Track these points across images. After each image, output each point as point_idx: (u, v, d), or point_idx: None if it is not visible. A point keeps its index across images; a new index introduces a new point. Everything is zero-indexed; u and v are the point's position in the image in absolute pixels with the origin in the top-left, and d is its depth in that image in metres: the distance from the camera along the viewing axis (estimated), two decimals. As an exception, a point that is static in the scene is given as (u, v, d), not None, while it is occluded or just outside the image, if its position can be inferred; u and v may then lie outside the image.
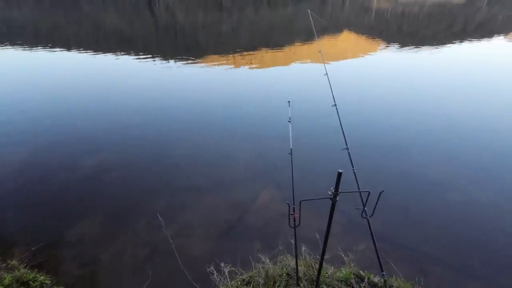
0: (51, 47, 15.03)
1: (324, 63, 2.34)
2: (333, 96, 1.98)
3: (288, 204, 1.42)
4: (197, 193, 4.18)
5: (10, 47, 15.46)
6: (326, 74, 2.20)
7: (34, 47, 15.13)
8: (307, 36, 17.88)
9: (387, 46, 16.27)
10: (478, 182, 4.52)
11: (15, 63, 12.14)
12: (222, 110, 6.93)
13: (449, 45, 17.27)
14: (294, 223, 1.46)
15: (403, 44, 16.97)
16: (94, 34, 21.67)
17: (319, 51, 2.64)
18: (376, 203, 1.29)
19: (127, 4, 58.79)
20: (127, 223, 3.61)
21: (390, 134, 5.88)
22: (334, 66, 11.33)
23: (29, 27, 25.00)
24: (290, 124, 2.01)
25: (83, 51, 14.10)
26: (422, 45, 16.76)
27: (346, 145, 1.63)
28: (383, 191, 1.23)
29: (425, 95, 8.38)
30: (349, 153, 1.59)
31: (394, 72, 11.05)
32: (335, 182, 1.27)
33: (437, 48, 16.26)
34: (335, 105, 1.88)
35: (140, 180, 4.52)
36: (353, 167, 1.56)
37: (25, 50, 14.54)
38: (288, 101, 2.21)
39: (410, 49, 15.75)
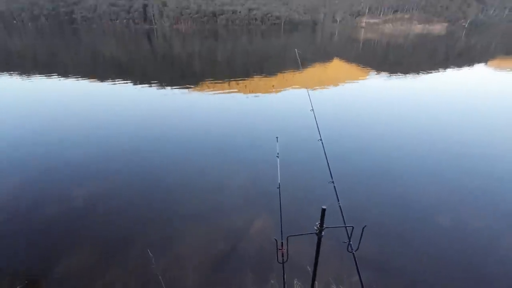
0: (48, 75, 15.33)
1: (310, 99, 2.48)
2: (319, 131, 2.07)
3: (276, 240, 1.44)
4: (189, 223, 4.11)
5: (6, 73, 15.72)
6: (312, 109, 2.32)
7: (31, 74, 15.42)
8: (297, 65, 18.70)
9: (375, 74, 17.07)
10: (468, 207, 4.57)
11: (10, 90, 12.26)
12: (213, 140, 7.01)
13: (433, 72, 18.22)
14: (283, 259, 1.47)
15: (390, 72, 17.84)
16: (92, 63, 22.26)
17: (307, 90, 2.78)
18: (361, 238, 1.33)
19: (127, 34, 61.22)
20: (117, 257, 3.50)
21: (377, 163, 5.99)
22: (322, 95, 11.75)
23: (28, 55, 25.62)
24: (278, 159, 2.07)
25: (80, 79, 14.40)
26: (408, 73, 17.66)
27: (332, 178, 1.69)
28: (365, 226, 1.27)
29: (411, 122, 8.67)
30: (334, 186, 1.64)
31: (380, 100, 11.49)
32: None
33: (422, 75, 17.13)
34: (321, 139, 1.97)
35: (131, 210, 4.44)
36: (338, 201, 1.61)
37: (22, 77, 14.78)
38: (276, 137, 2.30)
39: (397, 77, 16.54)
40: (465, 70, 19.65)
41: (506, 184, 5.28)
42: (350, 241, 1.38)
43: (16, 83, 13.80)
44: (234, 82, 14.27)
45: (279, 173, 1.89)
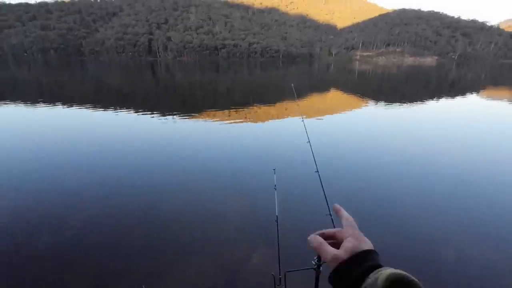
0: (53, 104, 15.71)
1: (306, 131, 2.53)
2: (316, 163, 2.09)
3: (273, 275, 1.39)
4: (184, 256, 3.96)
5: (12, 103, 16.11)
6: (309, 141, 2.36)
7: (36, 103, 15.80)
8: (293, 96, 19.30)
9: (371, 104, 17.57)
10: (471, 238, 4.45)
11: (13, 117, 12.47)
12: (210, 169, 6.97)
13: (427, 101, 18.78)
14: (281, 297, 1.41)
15: (385, 101, 18.38)
16: (96, 92, 22.94)
17: (302, 120, 2.86)
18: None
19: (132, 66, 63.92)
20: (106, 293, 3.31)
21: (376, 195, 5.92)
22: (318, 125, 11.98)
23: (34, 85, 26.47)
24: (275, 191, 2.07)
25: (84, 108, 14.73)
26: (403, 102, 18.19)
27: (329, 211, 1.67)
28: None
29: (408, 152, 8.74)
30: (332, 219, 1.62)
31: (376, 129, 11.69)
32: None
33: (417, 104, 17.63)
34: (318, 171, 1.98)
35: (126, 242, 4.29)
36: (337, 233, 1.58)
37: (27, 106, 15.12)
38: (274, 169, 2.32)
39: (392, 106, 17.01)
40: (459, 99, 20.27)
41: (508, 214, 5.19)
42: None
43: (20, 111, 14.10)
44: (233, 111, 14.60)
45: (276, 206, 1.87)
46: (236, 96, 21.50)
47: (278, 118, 13.25)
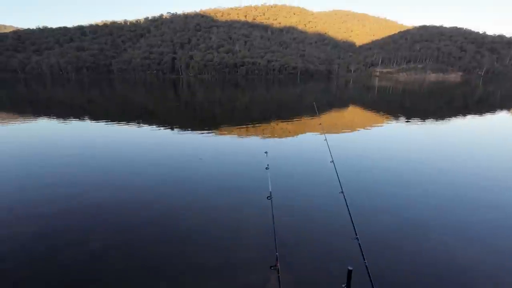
0: (82, 119, 16.71)
1: (330, 150, 2.49)
2: (340, 183, 2.03)
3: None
4: (199, 274, 3.90)
5: (45, 118, 17.33)
6: (332, 161, 2.31)
7: (67, 119, 16.88)
8: (312, 113, 19.23)
9: (392, 120, 17.07)
10: (509, 271, 4.03)
11: (44, 131, 13.36)
12: (228, 190, 6.91)
13: (452, 118, 17.96)
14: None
15: (408, 118, 17.79)
16: (121, 108, 24.18)
17: (325, 139, 2.82)
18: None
19: (155, 83, 67.25)
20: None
21: (404, 217, 5.60)
22: (340, 142, 11.73)
23: (66, 102, 28.42)
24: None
25: (110, 123, 15.52)
26: (426, 119, 17.50)
27: (356, 235, 1.59)
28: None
29: (435, 170, 8.29)
30: (359, 243, 1.54)
31: (400, 147, 11.26)
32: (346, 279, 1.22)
33: (442, 121, 16.89)
34: (342, 192, 1.92)
35: (142, 259, 4.30)
36: (364, 259, 1.49)
37: (59, 121, 16.19)
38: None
39: (415, 123, 16.41)
40: (487, 116, 19.22)
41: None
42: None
43: (52, 125, 15.10)
44: (251, 127, 14.72)
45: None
46: (255, 113, 21.76)
47: (298, 133, 13.18)
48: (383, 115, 19.70)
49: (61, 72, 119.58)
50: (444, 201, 6.21)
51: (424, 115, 19.52)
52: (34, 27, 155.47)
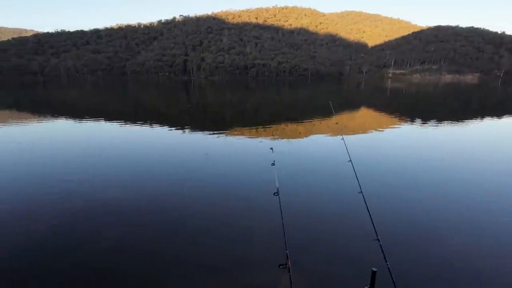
0: (97, 120, 17.17)
1: (347, 149, 2.44)
2: (359, 183, 1.99)
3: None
4: (208, 271, 3.90)
5: (63, 118, 17.91)
6: (350, 160, 2.27)
7: (83, 119, 17.38)
8: (326, 113, 19.03)
9: (407, 122, 16.67)
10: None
11: (62, 131, 13.81)
12: (238, 190, 6.93)
13: (469, 121, 17.37)
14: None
15: (423, 120, 17.33)
16: (135, 110, 24.70)
17: (342, 138, 2.77)
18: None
19: (167, 84, 68.40)
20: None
21: (423, 219, 5.44)
22: (357, 143, 11.54)
23: (82, 104, 29.28)
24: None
25: (123, 124, 15.86)
26: (442, 121, 16.99)
27: (377, 236, 1.55)
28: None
29: (453, 172, 8.03)
30: (380, 245, 1.50)
31: (416, 150, 10.97)
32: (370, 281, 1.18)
33: (458, 124, 16.37)
34: (361, 192, 1.87)
35: (153, 257, 4.33)
36: (386, 261, 1.45)
37: (75, 121, 16.69)
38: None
39: (430, 125, 15.97)
40: (506, 119, 18.48)
41: None
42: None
43: (68, 125, 15.59)
44: (261, 128, 14.71)
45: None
46: (266, 114, 21.74)
47: (314, 133, 13.07)
48: (397, 116, 19.28)
49: (77, 74, 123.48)
50: (466, 204, 6.01)
51: (440, 117, 18.96)
52: (53, 31, 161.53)
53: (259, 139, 11.95)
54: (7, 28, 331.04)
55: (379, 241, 1.50)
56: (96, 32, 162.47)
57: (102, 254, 4.38)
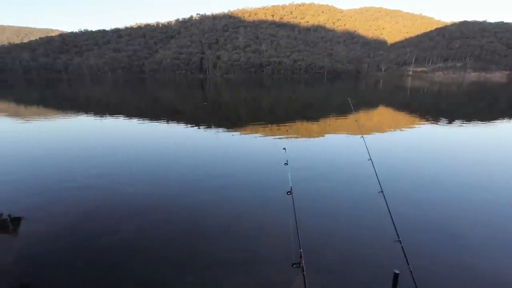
0: (116, 116, 17.75)
1: (367, 147, 2.37)
2: (379, 182, 1.93)
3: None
4: (223, 270, 3.94)
5: (84, 114, 18.68)
6: (370, 159, 2.20)
7: (103, 115, 18.04)
8: (343, 111, 18.63)
9: (429, 122, 16.02)
10: None
11: (84, 128, 14.40)
12: (253, 186, 6.92)
13: (497, 122, 16.43)
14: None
15: (445, 119, 16.59)
16: (152, 107, 25.33)
17: (362, 136, 2.69)
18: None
19: (184, 82, 69.59)
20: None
21: (445, 222, 5.20)
22: (376, 140, 11.23)
23: (103, 101, 30.39)
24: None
25: (141, 120, 16.32)
26: (466, 122, 16.17)
27: (398, 237, 1.49)
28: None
29: (478, 175, 7.64)
30: (402, 246, 1.45)
31: (439, 150, 10.51)
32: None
33: (484, 125, 15.52)
34: (382, 191, 1.81)
35: (168, 252, 4.43)
36: (408, 264, 1.39)
37: (95, 118, 17.36)
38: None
39: (452, 125, 15.26)
40: (540, 120, 17.30)
41: None
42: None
43: (91, 122, 16.24)
44: (275, 126, 14.63)
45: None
46: (284, 112, 21.61)
47: (332, 131, 12.86)
48: (419, 116, 18.57)
49: (98, 72, 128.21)
50: (493, 209, 5.70)
51: (464, 117, 18.07)
52: (77, 30, 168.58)
53: (273, 137, 11.90)
54: (35, 28, 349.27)
55: (401, 243, 1.44)
56: (116, 32, 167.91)
57: (119, 247, 4.53)
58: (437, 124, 15.57)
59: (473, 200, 6.06)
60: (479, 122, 16.35)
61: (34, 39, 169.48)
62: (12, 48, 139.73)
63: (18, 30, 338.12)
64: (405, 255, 1.40)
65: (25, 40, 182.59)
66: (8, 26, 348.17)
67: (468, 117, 18.00)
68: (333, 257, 3.50)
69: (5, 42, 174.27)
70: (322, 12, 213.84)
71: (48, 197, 6.32)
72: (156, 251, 4.42)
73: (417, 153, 9.73)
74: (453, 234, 4.72)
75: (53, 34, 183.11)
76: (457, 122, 16.07)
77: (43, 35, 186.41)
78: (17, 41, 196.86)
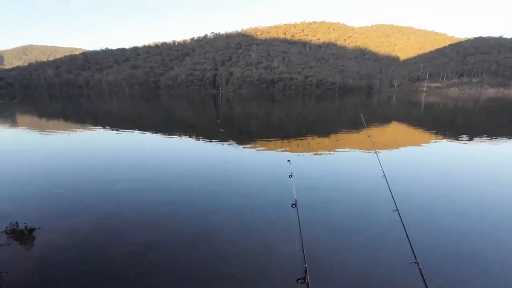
0: (131, 130, 18.30)
1: (380, 163, 2.33)
2: (394, 201, 1.88)
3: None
4: (226, 285, 3.85)
5: (102, 128, 19.38)
6: (384, 176, 2.15)
7: (120, 129, 18.64)
8: (354, 126, 18.44)
9: (442, 138, 15.57)
10: None
11: (102, 140, 14.89)
12: (259, 199, 6.89)
13: (519, 140, 15.74)
14: None
15: (459, 136, 16.07)
16: (166, 121, 26.01)
17: (375, 152, 2.66)
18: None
19: (197, 97, 71.42)
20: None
21: (464, 241, 4.94)
22: (389, 156, 10.98)
23: (120, 115, 31.52)
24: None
25: (155, 133, 16.73)
26: (483, 139, 15.59)
27: (416, 259, 1.43)
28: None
29: (500, 196, 7.26)
30: (420, 268, 1.38)
31: (457, 168, 10.15)
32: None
33: (502, 142, 14.90)
34: (397, 209, 1.76)
35: (171, 264, 4.40)
36: (426, 285, 1.32)
37: (112, 131, 17.95)
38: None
39: (472, 142, 14.74)
40: None
41: None
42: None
43: (108, 135, 16.79)
44: (286, 141, 14.62)
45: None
46: (292, 128, 21.64)
47: (344, 147, 12.72)
48: (434, 132, 18.11)
49: (116, 88, 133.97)
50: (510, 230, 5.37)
51: (482, 134, 17.44)
52: (98, 49, 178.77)
53: (280, 151, 11.86)
54: (60, 47, 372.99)
55: (418, 265, 1.38)
56: (135, 50, 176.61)
57: (128, 258, 4.54)
58: (454, 141, 15.09)
59: (493, 222, 5.74)
60: (499, 138, 15.72)
61: (59, 57, 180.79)
62: (39, 66, 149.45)
63: (45, 49, 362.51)
64: (423, 277, 1.33)
65: (51, 58, 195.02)
66: (36, 45, 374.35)
67: (487, 134, 17.37)
68: (341, 275, 3.37)
69: (33, 60, 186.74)
70: (334, 29, 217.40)
71: (64, 207, 6.48)
72: (164, 263, 4.40)
73: (434, 171, 9.40)
74: (476, 257, 4.45)
75: (76, 53, 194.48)
76: (475, 139, 15.53)
77: (67, 54, 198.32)
78: (43, 59, 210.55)
